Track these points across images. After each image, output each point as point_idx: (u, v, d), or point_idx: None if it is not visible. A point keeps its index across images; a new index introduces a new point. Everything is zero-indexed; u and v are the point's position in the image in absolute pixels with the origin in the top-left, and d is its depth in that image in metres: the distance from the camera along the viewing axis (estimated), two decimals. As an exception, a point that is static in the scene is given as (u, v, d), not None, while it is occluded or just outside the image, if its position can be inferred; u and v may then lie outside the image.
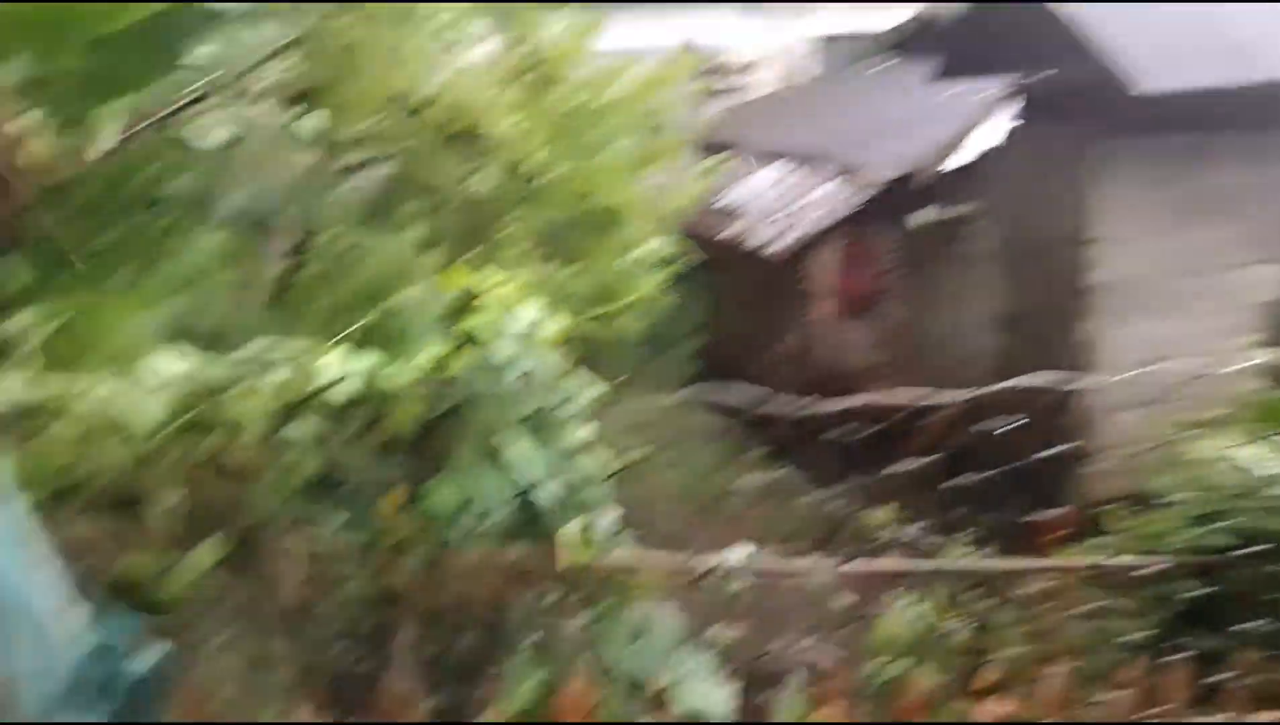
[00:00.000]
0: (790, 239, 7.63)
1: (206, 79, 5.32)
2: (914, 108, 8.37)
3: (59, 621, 1.46)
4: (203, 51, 4.90)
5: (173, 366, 2.63)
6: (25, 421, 2.54)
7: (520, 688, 2.65)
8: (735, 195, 8.22)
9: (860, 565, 3.57)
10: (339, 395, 2.63)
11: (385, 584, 2.74)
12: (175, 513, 2.50)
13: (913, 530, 5.26)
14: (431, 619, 2.75)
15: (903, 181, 7.33)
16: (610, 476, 3.23)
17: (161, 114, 5.23)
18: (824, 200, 7.82)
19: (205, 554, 2.45)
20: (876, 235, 8.04)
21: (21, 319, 3.72)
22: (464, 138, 4.65)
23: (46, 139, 4.46)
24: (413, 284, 4.05)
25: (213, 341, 4.23)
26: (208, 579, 2.37)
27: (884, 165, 7.56)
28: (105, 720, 1.45)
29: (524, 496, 2.94)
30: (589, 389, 3.25)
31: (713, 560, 3.64)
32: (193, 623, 2.34)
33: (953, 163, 7.13)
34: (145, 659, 1.52)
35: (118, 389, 2.52)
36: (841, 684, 2.19)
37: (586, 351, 3.65)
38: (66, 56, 3.94)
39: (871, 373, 7.96)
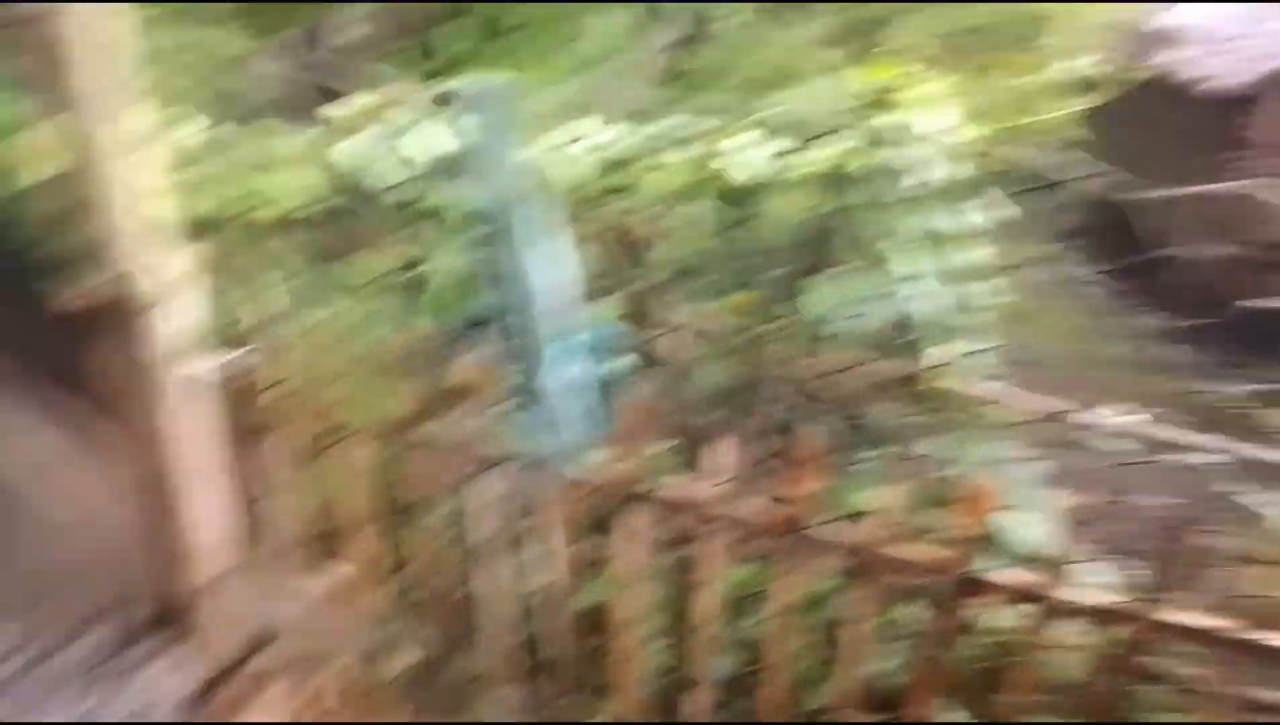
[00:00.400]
0: (1243, 75, 6.36)
1: None
2: None
3: (570, 310, 1.69)
4: None
5: (596, 133, 2.79)
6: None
7: (869, 490, 2.69)
8: (1178, 15, 6.92)
9: (1267, 454, 3.11)
10: (740, 178, 2.66)
11: (760, 363, 2.84)
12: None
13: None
14: (799, 406, 2.82)
15: None
16: (993, 305, 3.03)
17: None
18: (1297, 29, 6.37)
19: (608, 309, 2.68)
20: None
21: (455, 84, 4.17)
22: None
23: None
24: (806, 78, 3.92)
25: (612, 119, 4.47)
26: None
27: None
28: (584, 405, 1.68)
29: (902, 309, 2.86)
30: (988, 210, 3.01)
31: (1090, 415, 3.36)
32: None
33: None
34: (621, 363, 1.72)
35: (546, 149, 2.73)
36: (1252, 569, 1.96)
37: (987, 171, 3.37)
38: None
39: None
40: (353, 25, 4.94)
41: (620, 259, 2.72)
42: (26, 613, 1.64)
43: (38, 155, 1.83)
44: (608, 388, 1.71)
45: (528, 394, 1.67)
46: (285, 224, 2.36)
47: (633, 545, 2.20)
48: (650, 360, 2.34)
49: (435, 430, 2.10)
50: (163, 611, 1.73)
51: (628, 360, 1.72)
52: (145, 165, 1.61)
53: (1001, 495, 2.24)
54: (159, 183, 1.67)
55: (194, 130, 2.38)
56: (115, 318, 1.52)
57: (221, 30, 3.26)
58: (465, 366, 2.03)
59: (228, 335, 2.09)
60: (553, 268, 1.65)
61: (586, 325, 1.72)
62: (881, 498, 2.16)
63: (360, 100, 2.67)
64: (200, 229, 2.24)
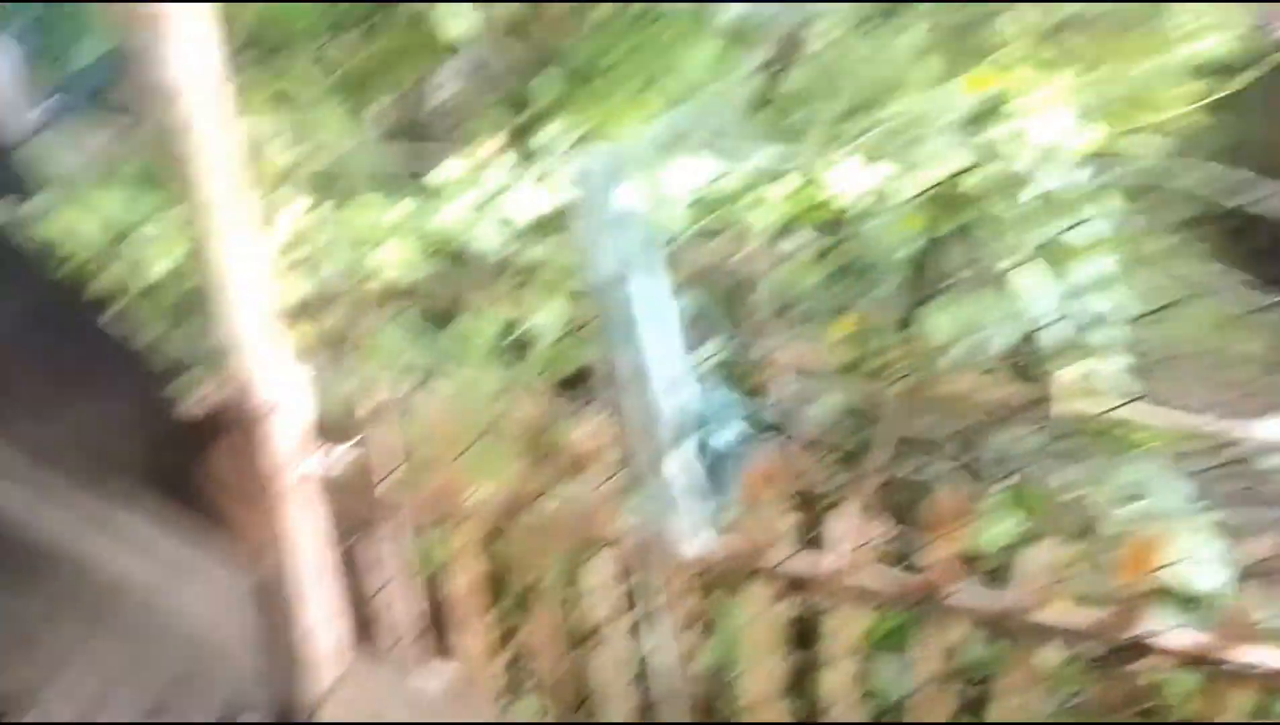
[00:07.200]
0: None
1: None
2: None
3: (679, 386, 1.64)
4: None
5: (693, 173, 2.74)
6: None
7: (999, 527, 2.53)
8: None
9: None
10: (846, 208, 2.56)
11: (868, 403, 2.73)
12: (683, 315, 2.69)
13: None
14: (916, 443, 2.70)
15: None
16: (1125, 318, 2.83)
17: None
18: None
19: (720, 372, 2.61)
20: None
21: (554, 128, 4.19)
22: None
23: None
24: (909, 91, 3.78)
25: (705, 150, 4.41)
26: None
27: None
28: (700, 478, 1.63)
29: (1028, 331, 2.69)
30: (1110, 216, 2.82)
31: (1242, 430, 3.09)
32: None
33: None
34: (736, 430, 1.67)
35: (645, 194, 2.70)
36: None
37: (1112, 175, 3.15)
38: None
39: None
40: (448, 83, 5.06)
41: (729, 301, 2.66)
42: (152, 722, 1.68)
43: (157, 254, 1.91)
44: (725, 457, 1.65)
45: (642, 466, 1.63)
46: (393, 296, 2.40)
47: (757, 622, 2.11)
48: (765, 424, 2.25)
49: (549, 507, 2.07)
50: (283, 717, 1.75)
51: (741, 428, 1.65)
52: (258, 259, 1.64)
53: (1162, 535, 2.06)
54: (272, 272, 1.70)
55: (298, 212, 2.45)
56: (234, 424, 1.55)
57: (319, 109, 3.37)
58: (579, 437, 2.00)
59: (340, 422, 2.11)
60: (664, 337, 1.61)
61: (700, 393, 1.66)
62: (1031, 556, 2.00)
63: (458, 163, 2.70)
64: (310, 309, 2.30)
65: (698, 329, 2.59)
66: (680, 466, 1.62)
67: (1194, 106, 4.02)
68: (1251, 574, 2.14)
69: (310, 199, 2.49)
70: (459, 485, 2.12)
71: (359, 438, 2.06)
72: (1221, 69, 4.40)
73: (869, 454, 2.13)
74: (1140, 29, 4.24)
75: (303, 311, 2.28)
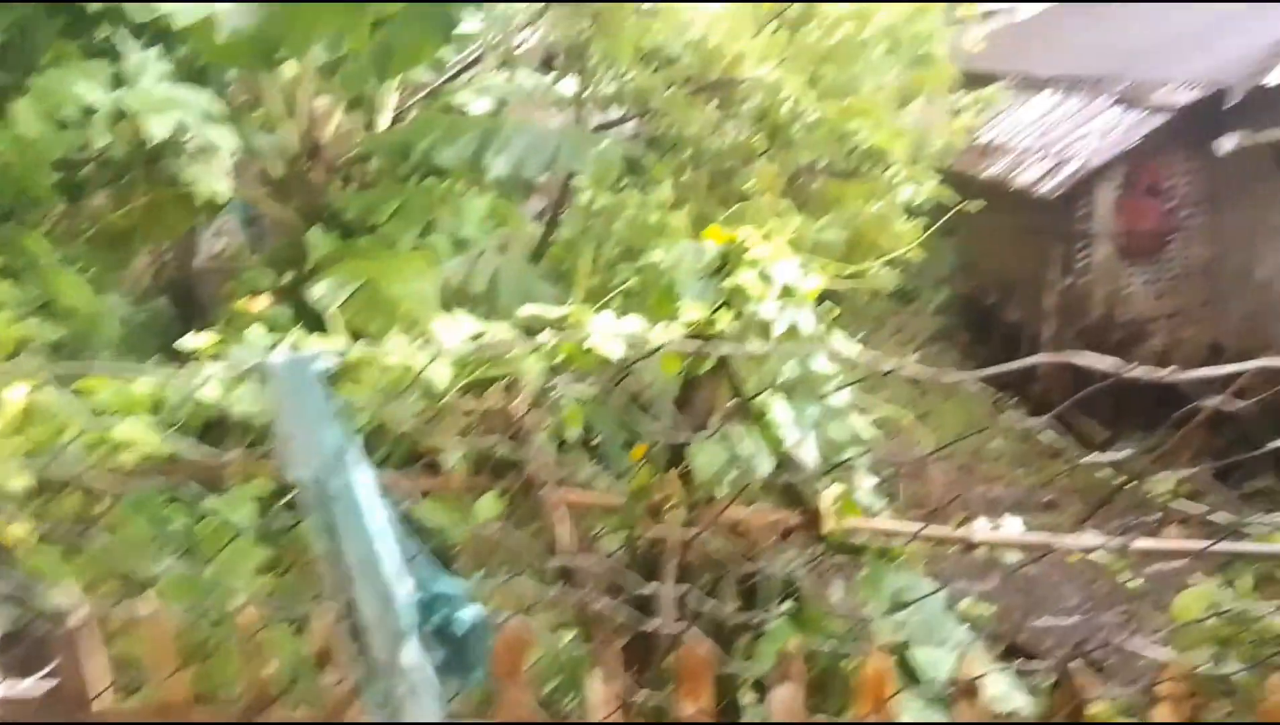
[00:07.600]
0: (1063, 175, 6.93)
1: (472, 49, 5.61)
2: (1221, 14, 7.29)
3: (402, 575, 1.61)
4: (467, 24, 5.17)
5: (460, 328, 2.79)
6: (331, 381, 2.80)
7: (773, 649, 2.64)
8: (1001, 129, 7.55)
9: (1157, 543, 3.19)
10: (609, 355, 2.68)
11: (648, 539, 2.80)
12: (460, 466, 2.69)
13: (1205, 501, 4.66)
14: (693, 576, 2.78)
15: (1206, 102, 6.39)
16: (869, 439, 3.10)
17: (434, 85, 5.59)
18: (1104, 129, 7.02)
19: (487, 505, 2.61)
20: (1169, 166, 7.10)
21: (324, 285, 4.13)
22: (716, 86, 4.57)
23: (338, 118, 4.90)
24: (665, 241, 4.08)
25: (482, 301, 4.48)
26: (490, 529, 2.53)
27: (1181, 84, 6.64)
28: (441, 663, 1.60)
29: (785, 458, 2.89)
30: (847, 347, 3.12)
31: (981, 533, 3.41)
32: (486, 574, 2.54)
33: (1276, 78, 6.12)
34: (472, 611, 1.65)
35: (412, 350, 2.71)
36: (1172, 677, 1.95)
37: (842, 307, 3.51)
38: (353, 40, 4.28)
39: (1159, 323, 7.15)
40: (213, 241, 4.92)
41: (491, 453, 2.68)
42: None
43: None
44: (470, 633, 1.64)
45: (379, 656, 1.59)
46: (135, 476, 2.24)
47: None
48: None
49: (291, 706, 1.95)
50: None
51: (476, 609, 1.66)
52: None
53: (906, 648, 2.22)
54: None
55: (23, 390, 2.25)
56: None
57: (57, 275, 3.16)
58: (318, 629, 1.92)
59: (49, 634, 1.90)
60: (382, 535, 1.60)
61: (434, 575, 1.66)
62: (779, 697, 2.08)
63: (210, 334, 2.60)
64: (33, 500, 2.10)
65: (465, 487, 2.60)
66: (419, 652, 1.60)
67: (917, 234, 4.59)
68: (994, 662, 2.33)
69: (42, 373, 2.31)
70: (190, 692, 1.95)
71: (68, 652, 1.85)
72: (935, 208, 5.09)
73: (633, 607, 2.18)
74: (861, 177, 4.84)
75: (25, 503, 2.08)
